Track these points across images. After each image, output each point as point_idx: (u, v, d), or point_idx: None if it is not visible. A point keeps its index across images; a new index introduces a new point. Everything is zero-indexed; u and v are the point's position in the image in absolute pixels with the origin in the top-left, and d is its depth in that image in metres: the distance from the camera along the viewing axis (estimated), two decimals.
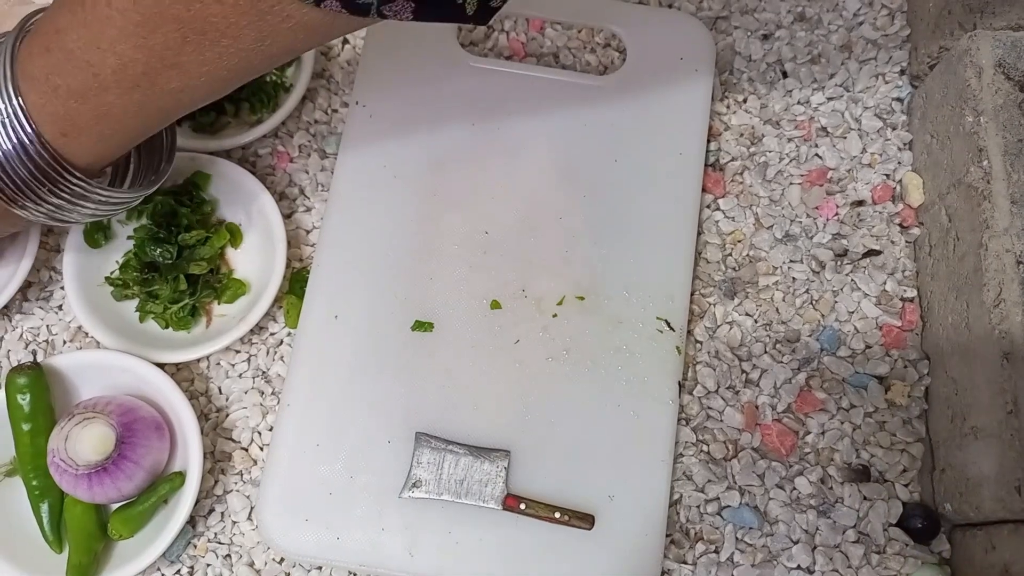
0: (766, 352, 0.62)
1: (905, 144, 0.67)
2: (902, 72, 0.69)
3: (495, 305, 0.59)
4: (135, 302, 0.64)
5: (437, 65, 0.66)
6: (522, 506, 0.55)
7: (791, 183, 0.66)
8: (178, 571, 0.60)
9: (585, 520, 0.55)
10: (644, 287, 0.61)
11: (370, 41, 0.67)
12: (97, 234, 0.64)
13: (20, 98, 0.47)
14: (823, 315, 0.63)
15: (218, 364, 0.64)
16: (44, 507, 0.58)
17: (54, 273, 0.67)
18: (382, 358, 0.59)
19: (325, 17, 0.43)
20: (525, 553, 0.55)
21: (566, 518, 0.55)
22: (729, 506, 0.59)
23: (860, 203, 0.66)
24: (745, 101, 0.69)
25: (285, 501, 0.56)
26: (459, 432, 0.57)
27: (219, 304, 0.65)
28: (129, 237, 0.64)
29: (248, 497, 0.61)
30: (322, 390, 0.58)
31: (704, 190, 0.65)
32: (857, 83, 0.69)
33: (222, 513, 0.61)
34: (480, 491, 0.56)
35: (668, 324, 0.60)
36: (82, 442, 0.55)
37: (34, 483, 0.58)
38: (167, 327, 0.64)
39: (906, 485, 0.59)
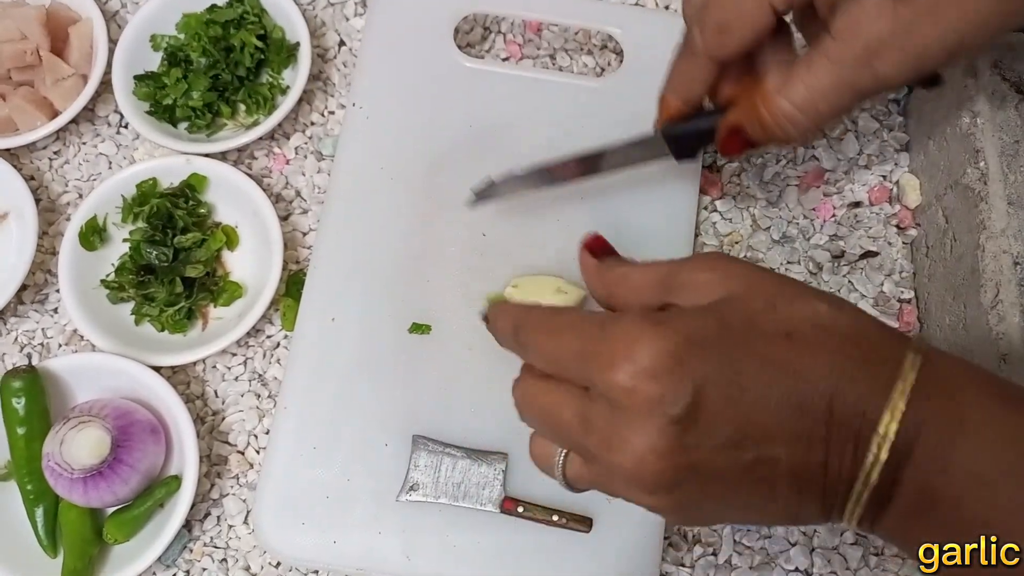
0: None
1: (902, 145, 0.67)
2: None
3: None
4: (131, 305, 0.64)
5: (434, 67, 0.65)
6: (520, 509, 0.55)
7: (788, 184, 0.66)
8: (174, 575, 0.59)
9: (583, 523, 0.55)
10: None
11: (367, 43, 0.67)
12: (92, 237, 0.63)
13: None
14: None
15: (214, 367, 0.64)
16: (39, 511, 0.58)
17: (49, 276, 0.66)
18: (379, 360, 0.59)
19: None
20: (523, 556, 0.55)
21: (564, 521, 0.55)
22: None
23: (857, 204, 0.66)
24: None
25: (282, 505, 0.56)
26: (456, 435, 0.57)
27: (215, 307, 0.65)
28: (125, 240, 0.64)
29: (244, 501, 0.61)
30: (319, 393, 0.58)
31: (701, 191, 0.65)
32: None
33: (218, 517, 0.61)
34: (478, 494, 0.55)
35: None
36: (77, 446, 0.55)
37: (29, 487, 0.58)
38: (163, 330, 0.63)
39: None
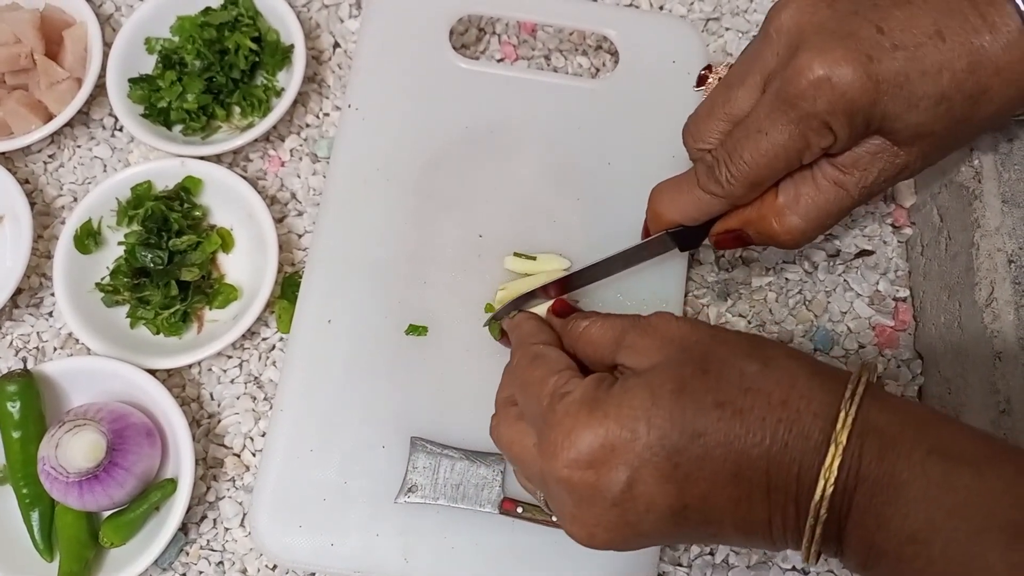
0: None
1: None
2: None
3: (489, 308, 0.59)
4: (126, 308, 0.64)
5: (430, 68, 0.65)
6: (519, 510, 0.55)
7: None
8: None
9: None
10: (638, 289, 0.60)
11: (363, 44, 0.66)
12: (87, 240, 0.63)
13: None
14: (816, 315, 0.63)
15: (210, 370, 0.64)
16: (35, 515, 0.58)
17: (44, 279, 0.66)
18: (376, 362, 0.58)
19: None
20: (522, 557, 0.55)
21: None
22: None
23: None
24: None
25: (278, 507, 0.56)
26: (454, 436, 0.57)
27: (210, 309, 0.64)
28: (120, 243, 0.64)
29: (240, 504, 0.61)
30: (316, 395, 0.58)
31: None
32: None
33: (214, 520, 0.61)
34: (476, 495, 0.55)
35: None
36: (73, 449, 0.55)
37: (24, 491, 0.58)
38: (158, 333, 0.63)
39: None
